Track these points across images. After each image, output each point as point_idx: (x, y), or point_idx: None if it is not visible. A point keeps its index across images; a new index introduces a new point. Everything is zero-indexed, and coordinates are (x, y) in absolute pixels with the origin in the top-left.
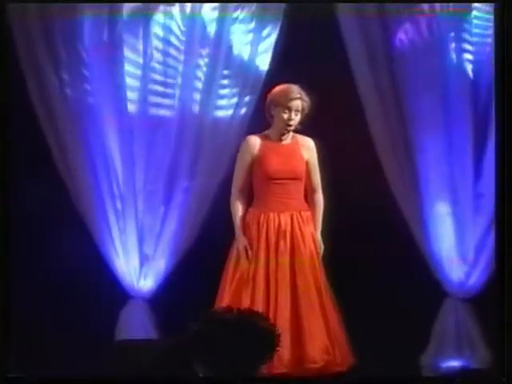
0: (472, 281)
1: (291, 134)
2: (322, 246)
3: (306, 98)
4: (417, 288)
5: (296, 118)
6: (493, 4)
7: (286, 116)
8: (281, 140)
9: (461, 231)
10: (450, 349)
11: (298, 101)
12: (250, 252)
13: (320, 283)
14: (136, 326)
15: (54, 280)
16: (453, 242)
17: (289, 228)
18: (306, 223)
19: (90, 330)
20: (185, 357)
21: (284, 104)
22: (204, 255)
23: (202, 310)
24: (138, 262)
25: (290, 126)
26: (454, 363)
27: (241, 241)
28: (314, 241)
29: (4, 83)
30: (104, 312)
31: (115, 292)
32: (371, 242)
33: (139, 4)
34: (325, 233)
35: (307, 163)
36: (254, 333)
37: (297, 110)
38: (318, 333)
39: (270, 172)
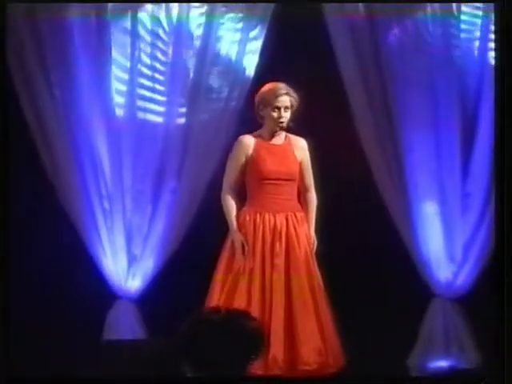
0: (460, 281)
1: (284, 134)
2: (316, 243)
3: (293, 94)
4: (404, 288)
5: (286, 115)
6: (492, 4)
7: (275, 115)
8: (273, 139)
9: (448, 231)
10: (438, 349)
11: (286, 96)
12: (246, 248)
13: (314, 285)
14: (124, 326)
15: (41, 280)
16: (440, 242)
17: (284, 229)
18: (300, 224)
19: (78, 331)
20: (173, 357)
21: (272, 103)
22: (192, 255)
23: (190, 310)
24: (126, 262)
25: (281, 123)
26: (442, 363)
27: (237, 237)
28: (309, 241)
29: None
30: (92, 312)
31: (103, 292)
32: (358, 243)
33: (127, 5)
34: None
35: (301, 164)
36: (242, 332)
37: (286, 107)
38: (311, 335)
39: (264, 173)
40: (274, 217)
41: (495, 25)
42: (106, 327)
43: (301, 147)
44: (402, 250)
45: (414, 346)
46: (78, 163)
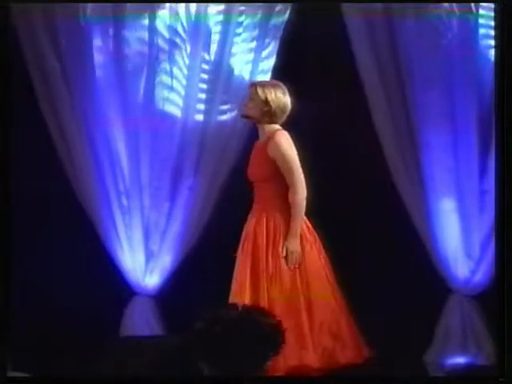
0: (477, 277)
1: (267, 131)
2: (295, 251)
3: (262, 84)
4: (422, 285)
5: (248, 105)
6: (492, 4)
7: None
8: (261, 138)
9: (466, 228)
10: (455, 345)
11: (251, 89)
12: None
13: (272, 283)
14: (141, 322)
15: (60, 276)
16: (458, 239)
17: (251, 229)
18: (273, 225)
19: (95, 327)
20: (190, 354)
21: None
22: (209, 251)
23: (208, 306)
24: (144, 259)
25: (243, 114)
26: (459, 360)
27: None
28: (274, 240)
29: (8, 82)
30: (109, 308)
31: (121, 288)
32: (375, 239)
33: (144, 4)
34: (327, 230)
35: (275, 162)
36: (259, 329)
37: (250, 98)
38: None
39: (245, 175)
40: (249, 218)
41: (495, 24)
42: (123, 323)
43: (274, 144)
44: (419, 247)
45: (431, 342)
46: (96, 160)
